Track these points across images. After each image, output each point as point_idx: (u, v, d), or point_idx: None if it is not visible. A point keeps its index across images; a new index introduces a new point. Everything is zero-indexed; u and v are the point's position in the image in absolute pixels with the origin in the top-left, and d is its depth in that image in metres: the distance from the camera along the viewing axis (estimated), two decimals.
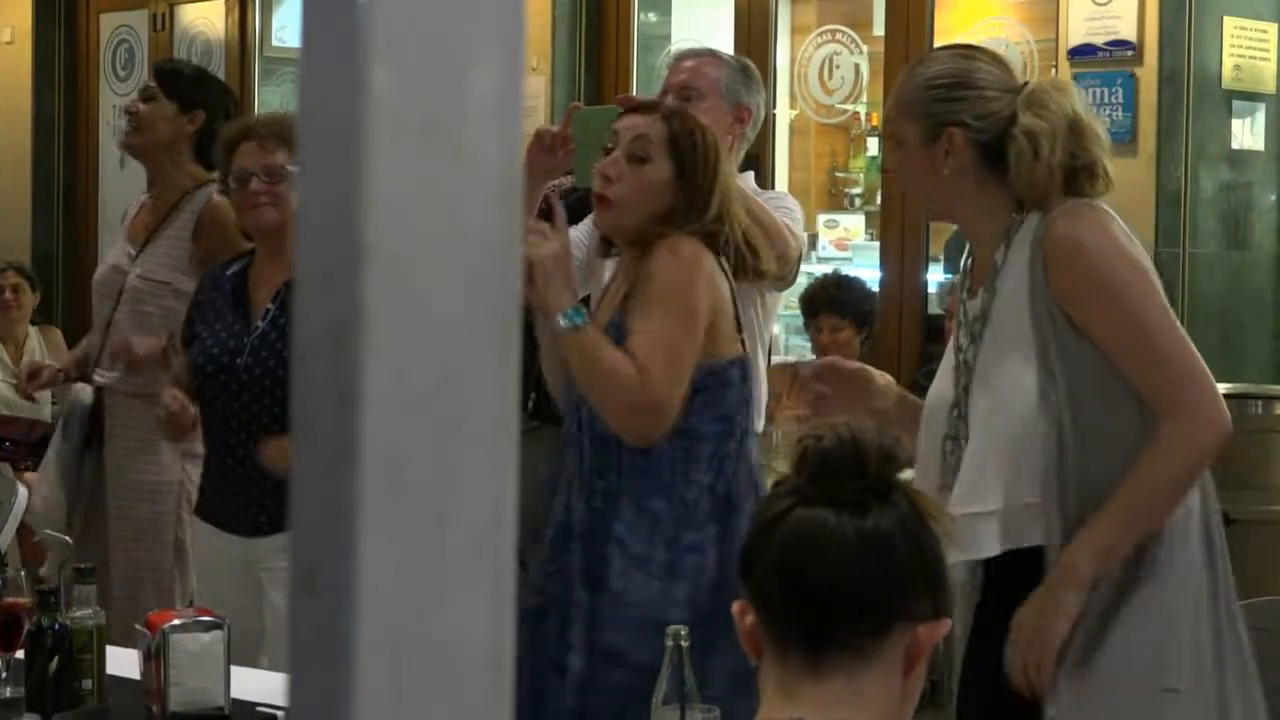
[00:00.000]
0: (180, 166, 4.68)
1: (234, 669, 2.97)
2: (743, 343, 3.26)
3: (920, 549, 1.83)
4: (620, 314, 3.17)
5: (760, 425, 4.00)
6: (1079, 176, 2.82)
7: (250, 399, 3.70)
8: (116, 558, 4.48)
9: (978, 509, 2.78)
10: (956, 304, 3.03)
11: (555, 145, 3.66)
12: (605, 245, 3.44)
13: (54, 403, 5.18)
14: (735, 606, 1.87)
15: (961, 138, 2.84)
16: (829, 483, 1.83)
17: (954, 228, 7.59)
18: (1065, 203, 2.81)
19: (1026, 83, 2.90)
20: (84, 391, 4.64)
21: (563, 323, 3.07)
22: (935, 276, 7.18)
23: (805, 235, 4.77)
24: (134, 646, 3.00)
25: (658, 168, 3.18)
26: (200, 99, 4.72)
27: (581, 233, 3.99)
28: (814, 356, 5.83)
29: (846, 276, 6.27)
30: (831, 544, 1.80)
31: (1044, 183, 2.80)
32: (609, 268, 3.79)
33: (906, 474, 1.94)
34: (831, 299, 5.93)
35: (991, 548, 2.79)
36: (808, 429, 1.91)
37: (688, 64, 4.08)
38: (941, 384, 2.93)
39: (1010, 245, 2.83)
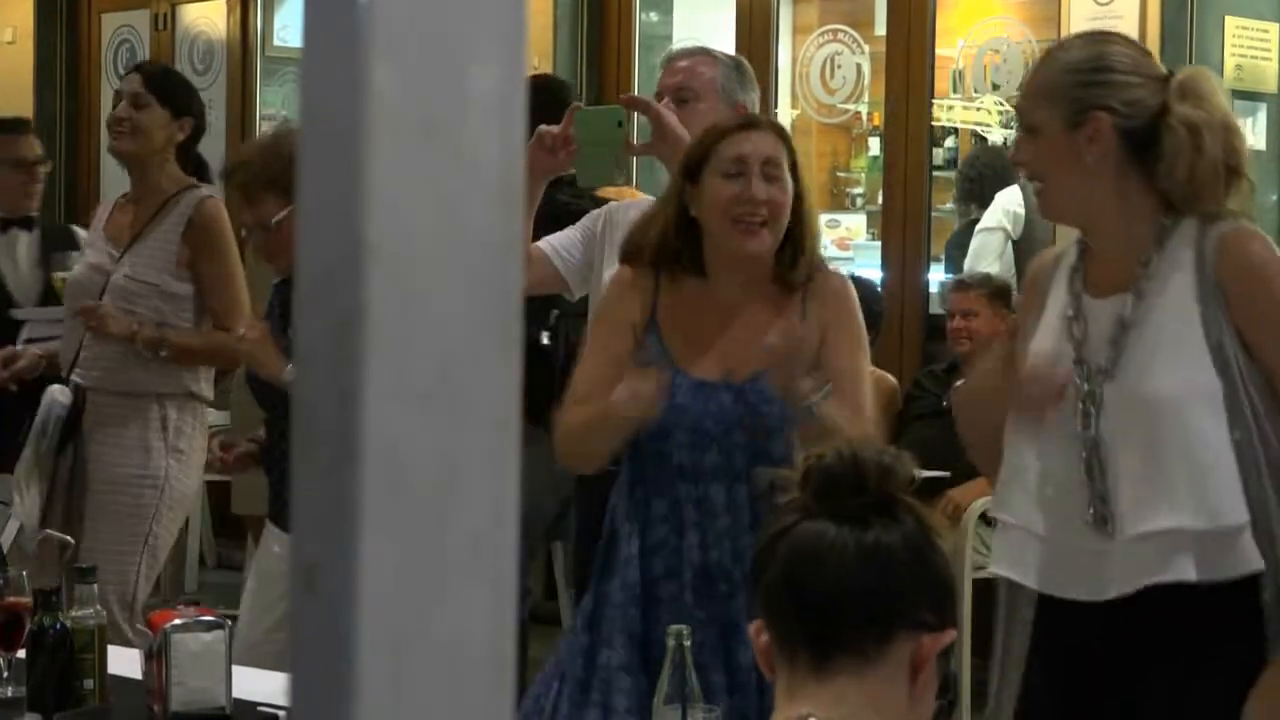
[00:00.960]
0: (165, 170, 4.71)
1: (235, 668, 2.97)
2: None
3: (923, 561, 1.89)
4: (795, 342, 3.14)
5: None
6: (1230, 180, 2.72)
7: (285, 404, 3.71)
8: (84, 549, 4.49)
9: (1164, 525, 2.63)
10: (1033, 304, 2.89)
11: (556, 146, 3.65)
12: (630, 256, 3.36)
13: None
14: (751, 627, 1.95)
15: (1108, 123, 2.69)
16: (831, 498, 1.90)
17: (955, 228, 7.60)
18: (1227, 218, 2.70)
19: (1171, 71, 2.76)
20: (61, 393, 4.64)
21: (808, 415, 3.03)
22: (937, 276, 7.18)
23: None
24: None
25: (786, 184, 3.22)
26: (189, 106, 4.77)
27: (574, 237, 3.98)
28: None
29: (854, 277, 6.29)
30: (832, 555, 1.87)
31: (1207, 179, 2.68)
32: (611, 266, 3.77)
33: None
34: None
35: (1187, 571, 2.62)
36: (812, 448, 1.99)
37: (682, 64, 4.06)
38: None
39: (1164, 250, 2.70)
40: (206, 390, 4.72)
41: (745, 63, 4.25)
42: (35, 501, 4.56)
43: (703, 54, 4.14)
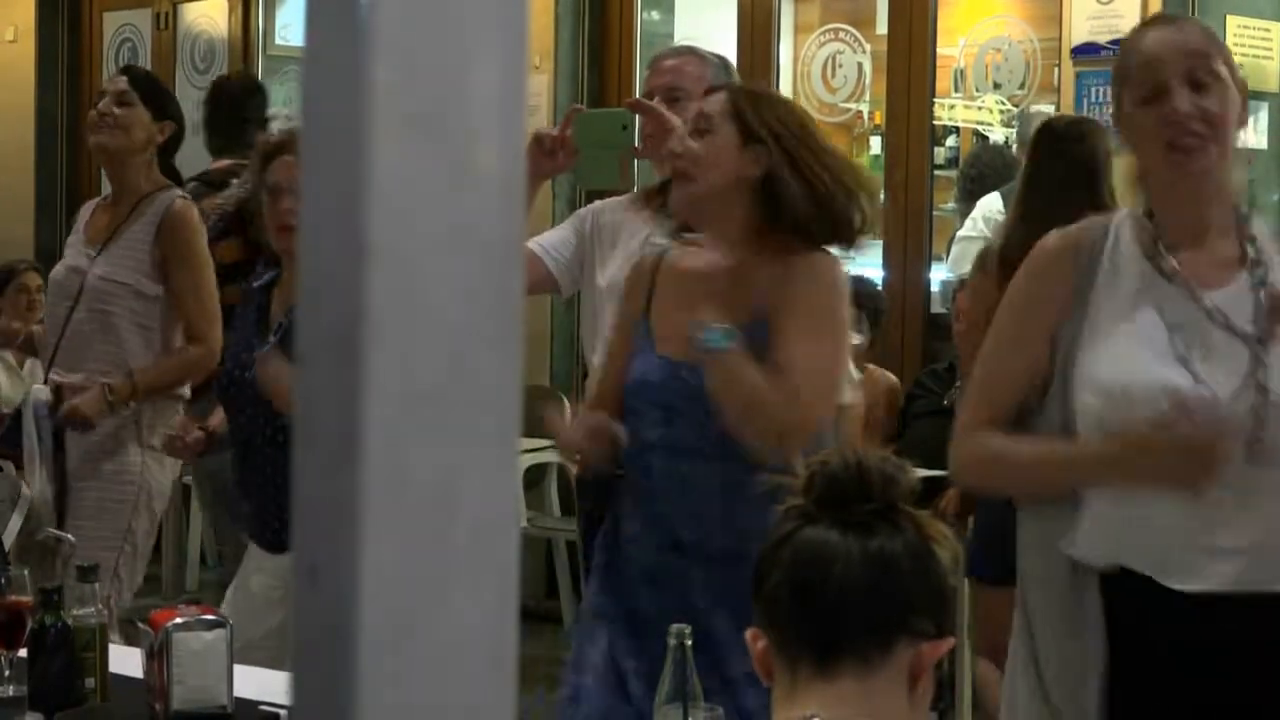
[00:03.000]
0: (142, 171, 4.74)
1: (236, 667, 2.97)
2: None
3: (924, 569, 1.90)
4: (757, 326, 3.04)
5: None
6: None
7: (255, 412, 3.72)
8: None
9: None
10: (1058, 292, 2.67)
11: (555, 148, 3.65)
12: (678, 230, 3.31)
13: None
14: (748, 633, 1.95)
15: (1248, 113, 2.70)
16: (835, 505, 1.91)
17: (956, 227, 7.59)
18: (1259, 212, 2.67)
19: None
20: (42, 391, 4.67)
21: (713, 342, 2.97)
22: (938, 275, 7.17)
23: None
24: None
25: (722, 135, 3.11)
26: (170, 110, 4.80)
27: (564, 237, 3.98)
28: None
29: (855, 277, 6.30)
30: (837, 561, 1.88)
31: None
32: (617, 261, 3.77)
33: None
34: None
35: None
36: (815, 455, 1.99)
37: (670, 64, 4.06)
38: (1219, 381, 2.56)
39: (1255, 241, 2.64)
40: (182, 389, 4.75)
41: (730, 62, 4.26)
42: (48, 498, 4.59)
43: (690, 53, 4.14)
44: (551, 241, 3.94)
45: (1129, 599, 2.59)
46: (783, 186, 3.08)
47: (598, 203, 4.07)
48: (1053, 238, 2.77)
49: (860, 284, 6.19)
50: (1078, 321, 2.64)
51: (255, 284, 3.95)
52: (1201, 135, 2.60)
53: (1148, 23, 2.89)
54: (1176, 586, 2.54)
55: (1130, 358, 2.57)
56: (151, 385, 4.62)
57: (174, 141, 4.81)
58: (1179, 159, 2.61)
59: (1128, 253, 2.66)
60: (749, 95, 3.20)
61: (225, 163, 5.78)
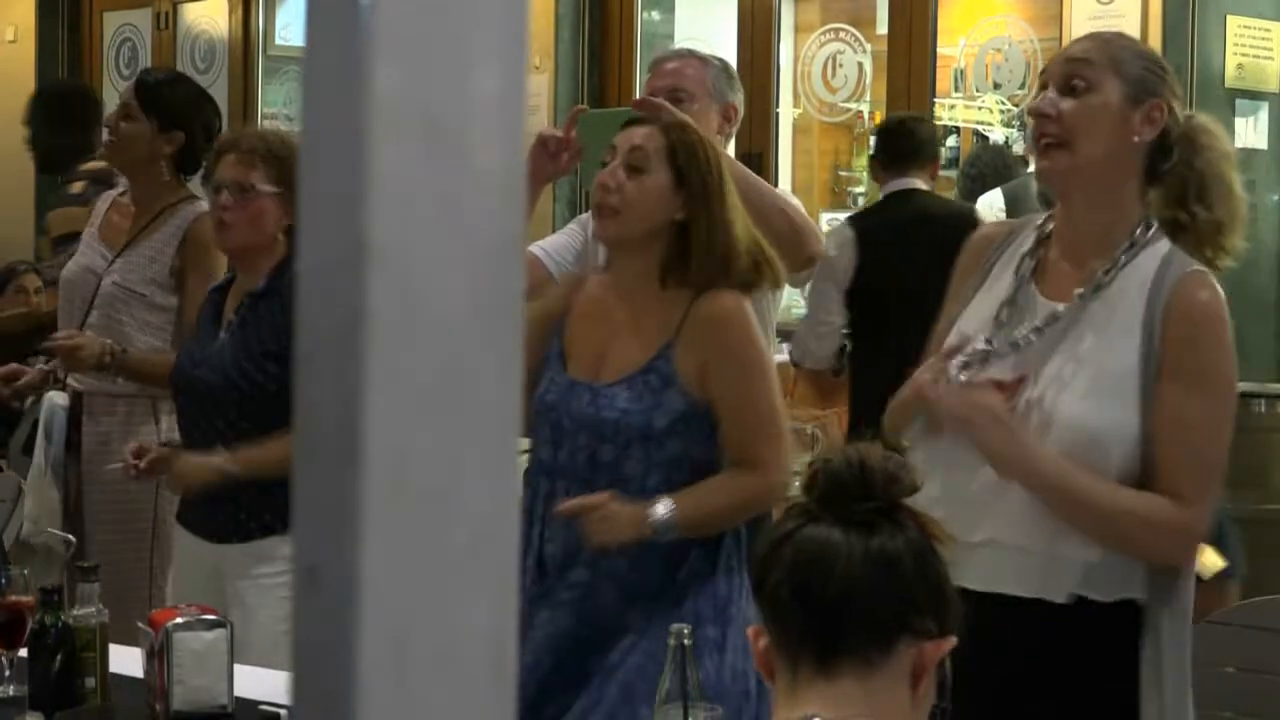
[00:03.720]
0: (159, 180, 4.67)
1: (237, 667, 2.97)
2: None
3: (926, 568, 1.90)
4: (663, 359, 3.10)
5: None
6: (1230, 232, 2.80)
7: (208, 409, 3.74)
8: (93, 551, 4.50)
9: (1017, 543, 2.65)
10: (972, 272, 2.84)
11: (559, 149, 3.66)
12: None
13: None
14: (749, 630, 1.96)
15: (1166, 113, 2.70)
16: (837, 503, 1.90)
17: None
18: (1193, 263, 2.68)
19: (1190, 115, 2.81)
20: (59, 395, 4.66)
21: (666, 533, 3.06)
22: None
23: None
24: (130, 643, 3.01)
25: (656, 177, 3.14)
26: (180, 118, 4.68)
27: (566, 241, 3.98)
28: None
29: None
30: (840, 559, 1.88)
31: (1235, 215, 2.78)
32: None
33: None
34: None
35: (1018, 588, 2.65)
36: (818, 452, 1.98)
37: (671, 66, 4.07)
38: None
39: (1131, 258, 2.68)
40: None
41: (730, 64, 4.27)
42: (56, 505, 4.58)
43: (690, 55, 4.16)
44: (554, 245, 3.95)
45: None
46: (697, 232, 3.13)
47: None
48: (982, 228, 3.02)
49: None
50: (964, 304, 2.81)
51: (212, 286, 3.99)
52: (1054, 135, 2.68)
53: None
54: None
55: (971, 316, 2.75)
56: (138, 365, 4.55)
57: (190, 146, 4.69)
58: (1039, 157, 2.73)
59: (1021, 250, 2.79)
60: (683, 137, 3.20)
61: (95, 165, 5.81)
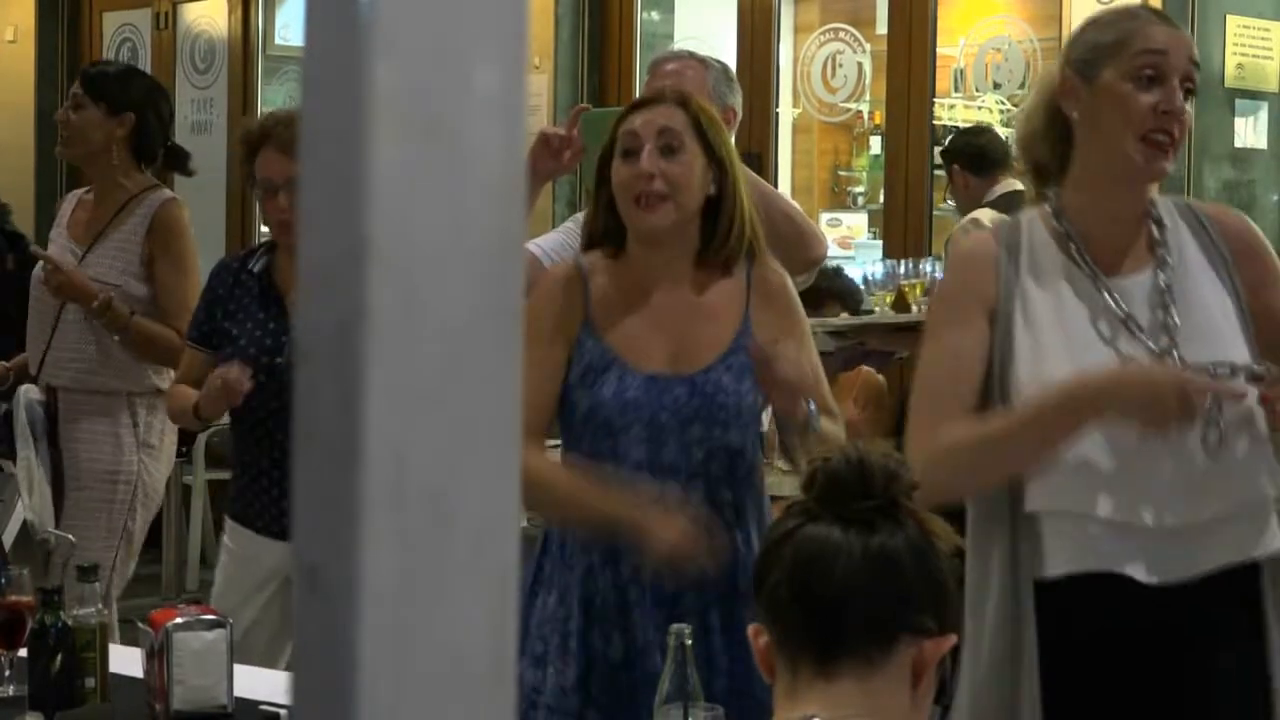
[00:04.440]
0: (119, 169, 4.67)
1: (237, 667, 2.97)
2: None
3: (926, 567, 1.89)
4: (746, 335, 3.08)
5: (766, 424, 4.02)
6: None
7: (286, 398, 3.71)
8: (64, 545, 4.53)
9: (1260, 495, 2.60)
10: (982, 294, 2.69)
11: (562, 147, 3.66)
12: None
13: None
14: (750, 629, 1.95)
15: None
16: (837, 501, 1.90)
17: (955, 227, 7.60)
18: (1191, 199, 2.73)
19: None
20: (33, 391, 4.67)
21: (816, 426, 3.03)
22: (937, 275, 7.17)
23: None
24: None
25: (691, 155, 3.08)
26: (128, 100, 4.69)
27: (564, 240, 3.97)
28: None
29: (832, 268, 6.37)
30: (840, 558, 1.87)
31: None
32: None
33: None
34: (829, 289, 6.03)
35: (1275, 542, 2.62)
36: (818, 451, 1.98)
37: (670, 67, 4.08)
38: (1108, 357, 2.61)
39: (1161, 223, 2.68)
40: (161, 380, 4.75)
41: (729, 67, 4.28)
42: (47, 501, 4.59)
43: (690, 57, 4.16)
44: (551, 244, 3.94)
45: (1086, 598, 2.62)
46: (727, 206, 3.09)
47: None
48: (971, 237, 2.90)
49: (839, 278, 6.27)
50: (1009, 314, 2.64)
51: (246, 266, 3.92)
52: (1175, 138, 2.63)
53: (1147, 13, 2.88)
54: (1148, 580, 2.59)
55: (1066, 350, 2.60)
56: (144, 332, 4.55)
57: (143, 130, 4.70)
58: (1152, 152, 2.62)
59: (1042, 247, 2.69)
60: (705, 112, 3.16)
61: None
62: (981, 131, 6.60)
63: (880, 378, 6.20)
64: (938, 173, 7.49)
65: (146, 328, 4.56)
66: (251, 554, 3.87)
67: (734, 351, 3.07)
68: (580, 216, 4.02)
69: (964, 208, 6.46)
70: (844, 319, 6.06)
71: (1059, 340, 2.61)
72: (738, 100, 4.12)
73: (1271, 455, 2.60)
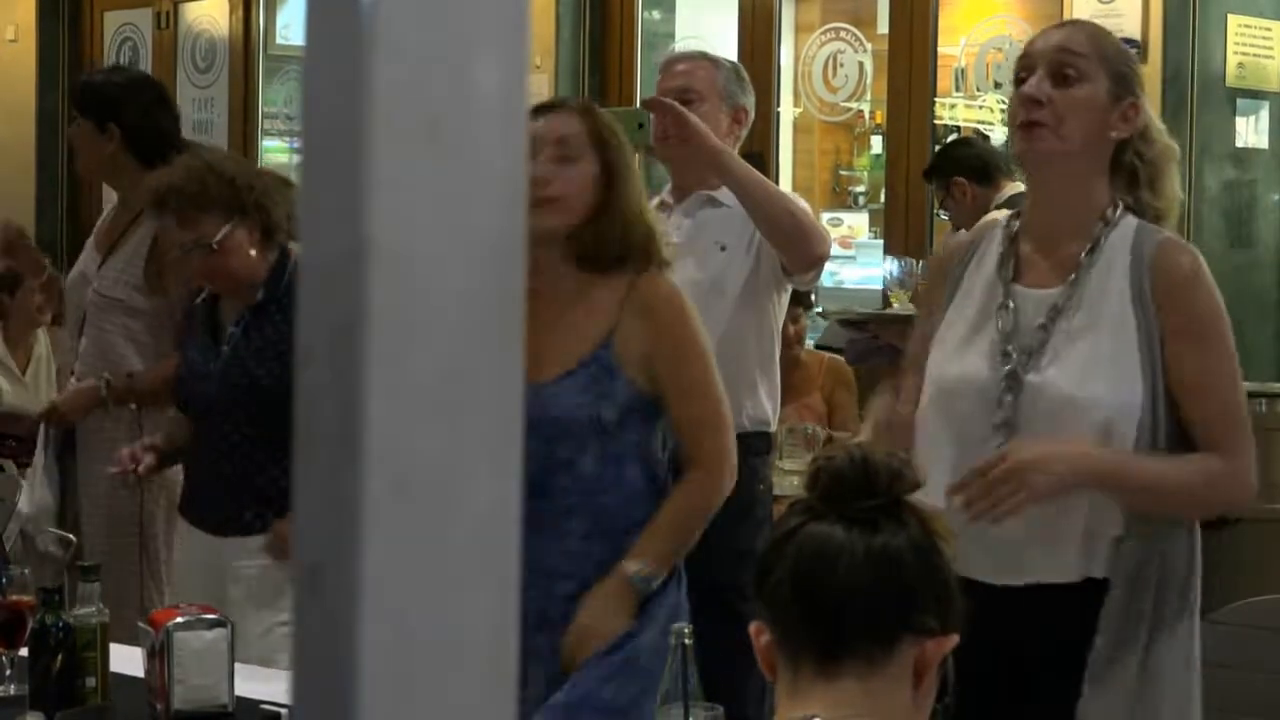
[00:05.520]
0: (127, 178, 4.62)
1: (237, 666, 2.97)
2: None
3: (929, 566, 1.89)
4: (605, 350, 3.09)
5: (774, 424, 4.02)
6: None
7: (218, 419, 3.75)
8: (88, 552, 4.53)
9: (1065, 525, 2.69)
10: (940, 288, 2.91)
11: None
12: None
13: None
14: (751, 627, 1.95)
15: (1136, 113, 2.79)
16: (840, 500, 1.90)
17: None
18: (1162, 231, 2.79)
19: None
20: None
21: (644, 586, 3.07)
22: None
23: None
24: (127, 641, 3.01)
25: (585, 164, 3.14)
26: (113, 112, 4.61)
27: None
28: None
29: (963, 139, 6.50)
30: (842, 557, 1.87)
31: (1174, 199, 2.85)
32: None
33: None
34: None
35: (1070, 574, 2.72)
36: (821, 450, 1.98)
37: (682, 67, 4.09)
38: (968, 365, 2.79)
39: (1099, 247, 2.76)
40: None
41: (741, 67, 4.28)
42: (48, 503, 4.59)
43: (702, 57, 4.17)
44: None
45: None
46: (614, 215, 3.13)
47: None
48: (946, 241, 3.06)
49: (968, 146, 6.38)
50: (940, 315, 2.87)
51: (199, 300, 3.96)
52: (1042, 121, 2.74)
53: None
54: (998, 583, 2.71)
55: (955, 352, 2.81)
56: (151, 387, 4.60)
57: (137, 137, 4.62)
58: (1021, 135, 2.77)
59: (992, 249, 2.86)
60: (599, 119, 3.20)
61: None
62: (969, 141, 6.62)
63: (834, 357, 6.22)
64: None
65: (151, 379, 4.57)
66: (190, 546, 3.88)
67: (586, 365, 3.08)
68: None
69: (965, 219, 6.43)
70: (857, 311, 6.05)
71: (951, 342, 2.82)
72: (750, 100, 4.13)
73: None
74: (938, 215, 6.93)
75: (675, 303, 3.15)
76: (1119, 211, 2.78)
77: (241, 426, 3.71)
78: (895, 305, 6.27)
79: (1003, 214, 2.98)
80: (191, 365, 3.90)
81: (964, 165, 6.43)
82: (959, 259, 2.90)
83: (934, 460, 2.73)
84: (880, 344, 5.93)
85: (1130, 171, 2.80)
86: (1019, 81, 2.80)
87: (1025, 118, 2.75)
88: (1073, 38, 2.82)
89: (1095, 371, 2.69)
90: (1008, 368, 2.73)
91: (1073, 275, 2.75)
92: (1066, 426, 2.68)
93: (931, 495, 2.68)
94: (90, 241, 4.79)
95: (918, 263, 6.27)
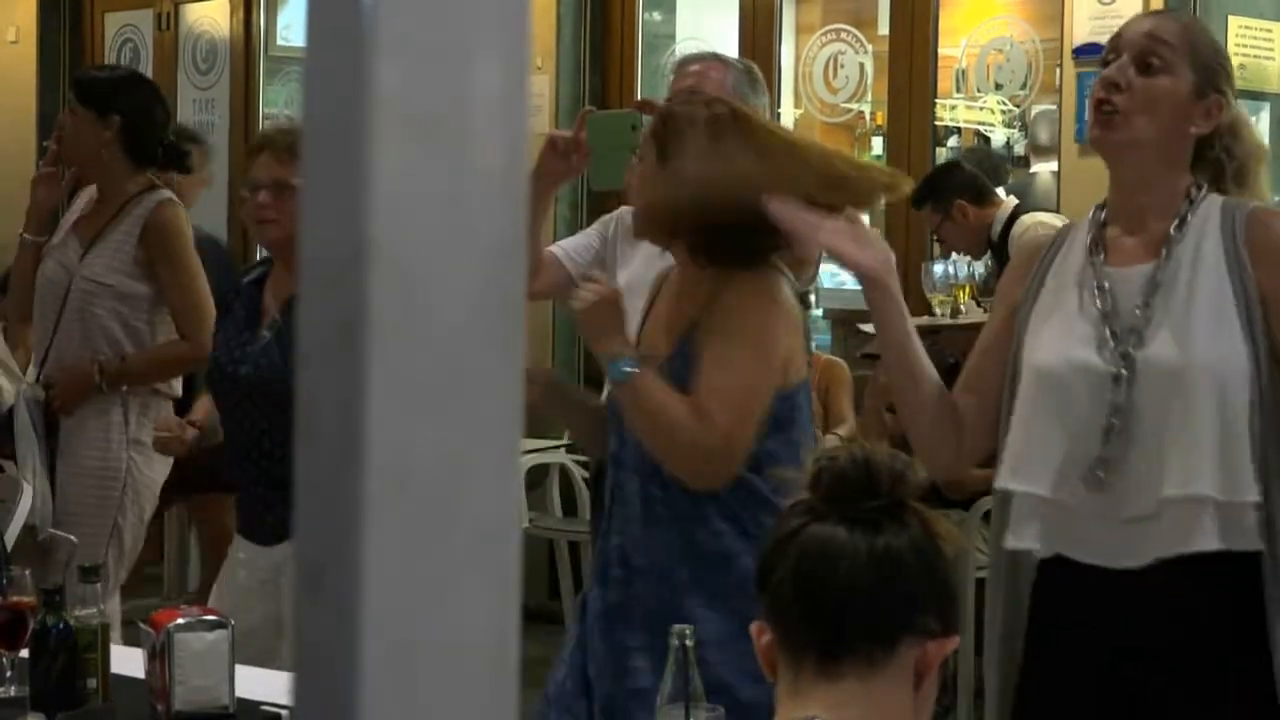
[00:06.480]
0: (114, 172, 4.73)
1: (238, 667, 2.97)
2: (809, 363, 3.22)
3: (930, 568, 1.90)
4: (686, 342, 3.04)
5: None
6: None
7: (251, 407, 3.73)
8: (59, 509, 4.58)
9: (1187, 493, 2.61)
10: (1020, 282, 2.85)
11: (569, 150, 3.67)
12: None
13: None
14: (753, 626, 1.95)
15: (1220, 110, 2.76)
16: (842, 501, 1.90)
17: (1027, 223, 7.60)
18: (1251, 201, 2.77)
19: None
20: (37, 390, 4.70)
21: (615, 374, 2.98)
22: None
23: None
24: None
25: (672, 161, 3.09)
26: (116, 103, 4.74)
27: (587, 241, 4.01)
28: None
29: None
30: (844, 558, 1.88)
31: (1257, 168, 2.84)
32: (637, 259, 3.79)
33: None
34: None
35: (1209, 542, 2.62)
36: (822, 450, 1.98)
37: (694, 68, 4.09)
38: (1074, 352, 2.72)
39: (1187, 222, 2.72)
40: (171, 385, 4.78)
41: (756, 69, 4.28)
42: (48, 501, 4.62)
43: (714, 59, 4.18)
44: (574, 245, 3.99)
45: (1059, 581, 2.75)
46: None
47: (624, 206, 4.10)
48: (1028, 237, 3.03)
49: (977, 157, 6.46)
50: (1029, 307, 2.82)
51: (246, 279, 3.97)
52: (1117, 106, 2.71)
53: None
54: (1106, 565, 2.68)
55: (1057, 340, 2.74)
56: (142, 371, 4.64)
57: (133, 131, 4.74)
58: (1094, 122, 2.74)
59: (1079, 238, 2.82)
60: (670, 120, 3.14)
61: None
62: (958, 164, 6.66)
63: (835, 359, 6.25)
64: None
65: (145, 358, 4.62)
66: (243, 559, 3.87)
67: (670, 360, 3.05)
68: (608, 217, 4.06)
69: (965, 240, 6.38)
70: (929, 319, 6.01)
71: (1050, 330, 2.76)
72: (763, 101, 4.13)
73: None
74: (932, 240, 6.91)
75: (748, 296, 3.08)
76: (1203, 191, 2.76)
77: (271, 418, 3.68)
78: (939, 313, 6.20)
79: (1059, 220, 2.97)
80: (224, 348, 3.89)
81: (962, 188, 6.42)
82: (1045, 254, 2.86)
83: (1042, 450, 2.69)
84: (938, 352, 5.90)
85: (1216, 166, 2.78)
86: (1105, 64, 2.76)
87: (1099, 96, 2.72)
88: (1164, 27, 2.78)
89: (1201, 340, 2.65)
90: (1119, 349, 2.67)
91: (1164, 251, 2.72)
92: (1180, 398, 2.63)
93: (1040, 487, 2.68)
94: (65, 234, 4.81)
95: (951, 264, 6.25)
